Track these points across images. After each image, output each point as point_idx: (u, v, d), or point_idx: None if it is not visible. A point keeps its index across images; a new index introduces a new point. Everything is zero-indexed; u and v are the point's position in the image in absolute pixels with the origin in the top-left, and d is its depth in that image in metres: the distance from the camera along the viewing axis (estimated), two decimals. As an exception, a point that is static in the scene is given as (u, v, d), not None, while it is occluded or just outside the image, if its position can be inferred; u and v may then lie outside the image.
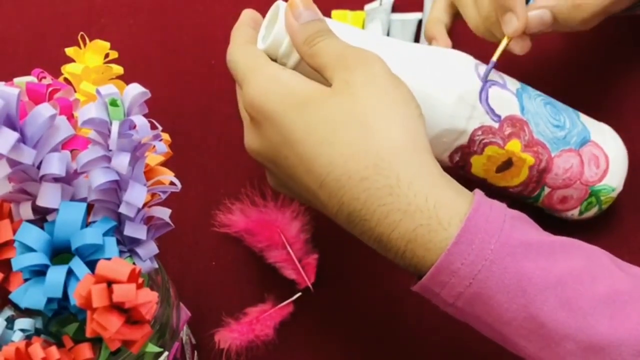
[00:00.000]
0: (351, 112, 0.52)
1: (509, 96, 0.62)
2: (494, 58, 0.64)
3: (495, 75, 0.63)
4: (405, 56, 0.61)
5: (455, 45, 0.78)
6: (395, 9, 0.82)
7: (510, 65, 0.67)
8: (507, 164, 0.63)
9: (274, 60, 0.57)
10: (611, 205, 0.68)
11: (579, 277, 0.49)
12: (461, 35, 0.82)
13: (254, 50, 0.57)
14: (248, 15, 0.60)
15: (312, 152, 0.52)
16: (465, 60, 0.63)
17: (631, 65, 0.78)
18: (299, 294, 0.67)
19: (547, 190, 0.64)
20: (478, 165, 0.63)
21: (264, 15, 0.61)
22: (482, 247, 0.49)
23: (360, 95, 0.52)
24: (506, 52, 0.65)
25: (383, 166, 0.50)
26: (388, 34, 0.80)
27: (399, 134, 0.51)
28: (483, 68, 0.63)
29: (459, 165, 0.63)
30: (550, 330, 0.49)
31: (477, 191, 0.53)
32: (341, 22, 0.81)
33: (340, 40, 0.55)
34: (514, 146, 0.62)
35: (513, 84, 0.64)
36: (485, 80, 0.62)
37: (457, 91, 0.60)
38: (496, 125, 0.61)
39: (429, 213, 0.50)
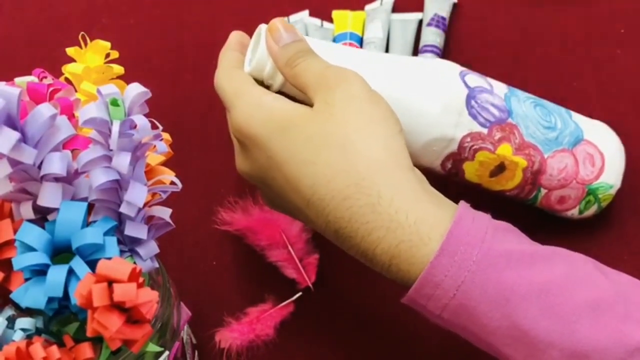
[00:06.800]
0: (332, 133, 0.53)
1: (496, 101, 0.62)
2: None
3: (482, 81, 0.63)
4: (388, 68, 0.61)
5: (454, 44, 0.79)
6: (395, 9, 0.82)
7: (505, 67, 0.67)
8: (499, 168, 0.63)
9: (261, 81, 0.58)
10: (611, 206, 0.68)
11: (561, 285, 0.50)
12: (459, 34, 0.82)
13: (240, 75, 0.58)
14: (234, 38, 0.61)
15: (297, 173, 0.53)
16: (450, 68, 0.63)
17: (630, 64, 0.78)
18: (300, 293, 0.67)
19: (543, 191, 0.64)
20: (471, 171, 0.63)
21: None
22: (464, 259, 0.50)
23: (340, 115, 0.53)
24: (499, 55, 0.64)
25: (364, 185, 0.51)
26: (388, 34, 0.80)
27: (378, 152, 0.52)
28: (469, 75, 0.63)
29: (452, 173, 0.63)
30: (534, 339, 0.50)
31: (462, 203, 0.53)
32: (340, 21, 0.81)
33: (321, 60, 0.56)
34: (505, 150, 0.62)
35: (500, 88, 0.64)
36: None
37: (443, 99, 0.60)
38: (485, 130, 0.61)
39: (410, 229, 0.51)
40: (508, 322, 0.50)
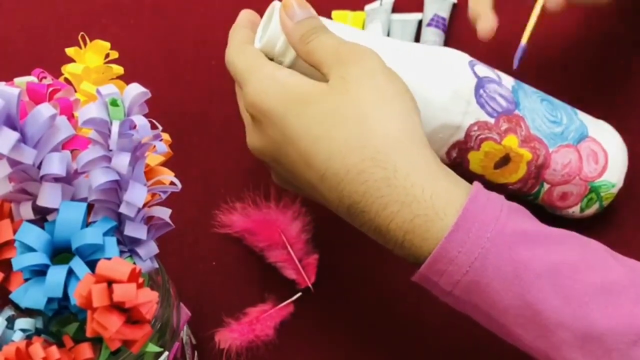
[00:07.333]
0: (347, 108, 0.52)
1: (504, 92, 0.63)
2: (530, 22, 0.65)
3: (490, 72, 0.63)
4: (399, 53, 0.61)
5: (454, 44, 0.78)
6: (395, 9, 0.82)
7: (504, 67, 0.67)
8: (504, 160, 0.63)
9: (271, 59, 0.58)
10: (612, 205, 0.68)
11: (574, 266, 0.50)
12: (459, 35, 0.82)
13: (252, 50, 0.58)
14: (245, 16, 0.61)
15: (311, 148, 0.52)
16: (460, 58, 0.63)
17: (631, 64, 0.78)
18: (299, 294, 0.67)
19: (546, 186, 0.64)
20: (476, 161, 0.63)
21: (261, 15, 0.61)
22: (479, 236, 0.50)
23: (356, 91, 0.53)
24: (502, 52, 0.65)
25: (380, 158, 0.51)
26: (388, 35, 0.80)
27: (395, 127, 0.52)
28: (478, 65, 0.63)
29: (457, 162, 0.63)
30: (545, 319, 0.49)
31: (476, 183, 0.53)
32: (340, 21, 0.81)
33: (335, 36, 0.56)
34: (511, 141, 0.62)
35: (508, 81, 0.64)
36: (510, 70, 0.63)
37: (452, 87, 0.61)
38: (492, 120, 0.62)
39: (425, 204, 0.51)
40: (520, 301, 0.49)
